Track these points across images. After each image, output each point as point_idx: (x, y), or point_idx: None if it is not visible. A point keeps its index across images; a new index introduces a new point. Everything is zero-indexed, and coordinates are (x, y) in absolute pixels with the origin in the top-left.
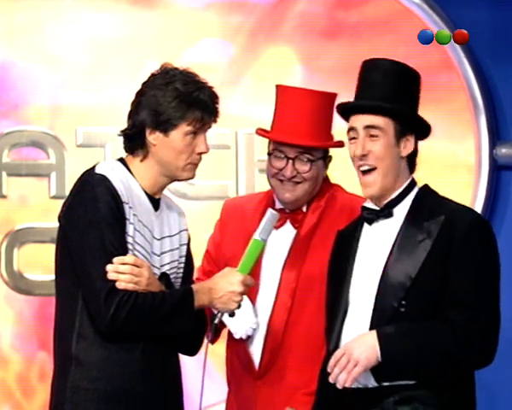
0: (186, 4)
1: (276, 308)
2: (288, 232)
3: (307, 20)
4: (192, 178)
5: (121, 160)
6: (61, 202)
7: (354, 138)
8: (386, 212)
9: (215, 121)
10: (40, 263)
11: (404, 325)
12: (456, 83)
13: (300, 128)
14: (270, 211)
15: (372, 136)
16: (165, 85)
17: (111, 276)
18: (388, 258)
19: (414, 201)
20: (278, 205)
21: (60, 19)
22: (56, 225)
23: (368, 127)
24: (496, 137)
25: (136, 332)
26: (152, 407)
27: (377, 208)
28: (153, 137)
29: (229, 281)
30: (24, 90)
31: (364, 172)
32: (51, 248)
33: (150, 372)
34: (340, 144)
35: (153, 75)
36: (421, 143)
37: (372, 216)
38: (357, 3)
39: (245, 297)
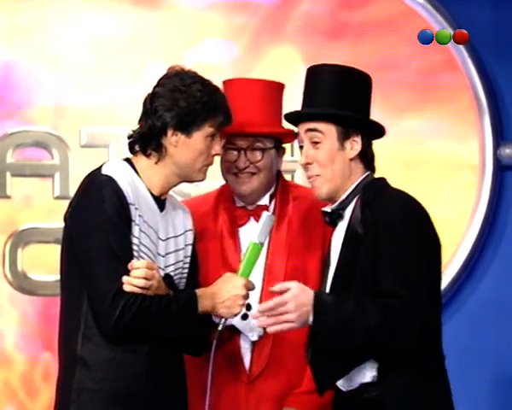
0: (189, 4)
1: None
2: (253, 229)
3: (311, 20)
4: (204, 180)
5: (127, 160)
6: (65, 202)
7: (302, 147)
8: (336, 214)
9: (229, 125)
10: (44, 263)
11: (341, 296)
12: (459, 83)
13: (250, 118)
14: (266, 214)
15: (315, 142)
16: (185, 87)
17: (127, 288)
18: (339, 257)
19: (356, 201)
20: (238, 203)
21: (63, 19)
22: (60, 225)
23: (309, 131)
24: (500, 138)
25: (139, 335)
26: (157, 408)
27: (329, 211)
28: (174, 139)
29: (232, 285)
30: (28, 91)
31: (311, 177)
32: (55, 249)
33: (155, 374)
34: (291, 132)
35: (166, 77)
36: (424, 144)
37: (330, 220)
38: (361, 3)
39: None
